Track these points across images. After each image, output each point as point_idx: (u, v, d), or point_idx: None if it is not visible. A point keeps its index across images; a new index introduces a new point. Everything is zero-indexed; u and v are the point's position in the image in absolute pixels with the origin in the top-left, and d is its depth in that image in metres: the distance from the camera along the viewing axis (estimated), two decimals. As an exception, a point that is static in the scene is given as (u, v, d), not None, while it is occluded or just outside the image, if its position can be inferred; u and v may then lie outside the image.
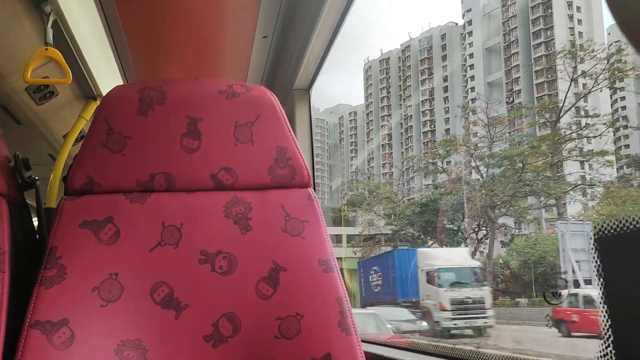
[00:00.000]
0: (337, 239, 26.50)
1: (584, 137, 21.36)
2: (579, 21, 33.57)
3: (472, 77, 39.14)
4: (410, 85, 46.87)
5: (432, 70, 45.20)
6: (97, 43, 1.54)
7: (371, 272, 18.50)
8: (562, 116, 21.98)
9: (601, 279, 0.53)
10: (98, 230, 0.78)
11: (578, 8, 34.11)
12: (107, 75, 1.66)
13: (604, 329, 0.52)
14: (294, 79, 1.70)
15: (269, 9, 1.42)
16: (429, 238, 23.22)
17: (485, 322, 13.16)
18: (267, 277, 0.79)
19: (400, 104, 47.70)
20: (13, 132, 1.60)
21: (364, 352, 0.77)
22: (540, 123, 23.82)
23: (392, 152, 45.57)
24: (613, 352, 0.51)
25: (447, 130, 38.99)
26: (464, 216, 21.84)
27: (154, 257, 0.78)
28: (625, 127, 26.09)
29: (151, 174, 0.82)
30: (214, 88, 0.86)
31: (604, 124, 21.22)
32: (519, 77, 34.49)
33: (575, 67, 22.00)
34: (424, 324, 13.03)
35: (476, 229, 21.37)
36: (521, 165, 20.46)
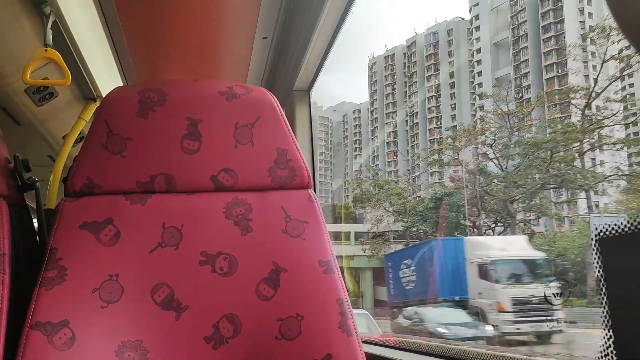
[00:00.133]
0: (345, 236, 25.96)
1: (617, 124, 19.27)
2: (590, 14, 32.52)
3: (480, 73, 38.43)
4: (415, 82, 46.26)
5: (439, 66, 44.52)
6: (97, 44, 1.54)
7: (402, 266, 15.77)
8: (591, 102, 19.83)
9: (602, 279, 0.53)
10: (98, 231, 0.78)
11: (589, 0, 32.86)
12: (106, 76, 1.66)
13: (604, 329, 0.52)
14: (294, 80, 1.70)
15: (269, 10, 1.42)
16: (442, 235, 21.80)
17: (554, 326, 10.32)
18: (268, 278, 0.79)
19: (406, 101, 47.07)
20: (13, 134, 1.60)
21: (365, 352, 0.77)
22: (565, 110, 22.35)
23: (397, 150, 45.24)
24: (614, 352, 0.51)
25: (454, 127, 38.60)
26: (479, 211, 20.34)
27: (155, 259, 0.78)
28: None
29: (151, 175, 0.82)
30: (214, 89, 0.86)
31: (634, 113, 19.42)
32: (528, 71, 33.45)
33: (607, 49, 19.50)
34: (489, 328, 10.66)
35: (493, 225, 20.04)
36: (549, 154, 18.55)
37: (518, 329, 10.39)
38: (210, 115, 0.84)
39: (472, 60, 39.99)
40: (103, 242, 0.77)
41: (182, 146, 0.83)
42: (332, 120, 59.82)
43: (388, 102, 49.01)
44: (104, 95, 0.87)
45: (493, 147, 21.23)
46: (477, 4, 39.52)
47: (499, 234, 19.41)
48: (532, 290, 10.89)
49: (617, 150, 19.25)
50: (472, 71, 39.82)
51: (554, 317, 10.37)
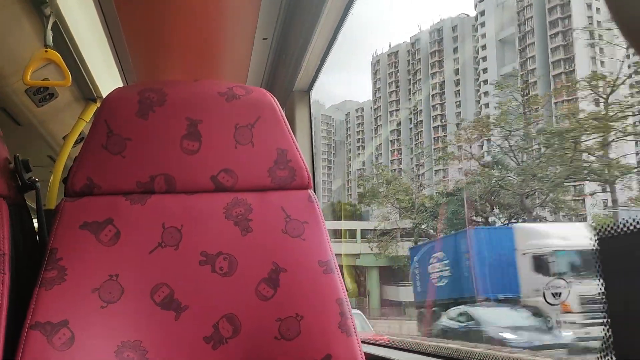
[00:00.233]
0: (351, 234, 25.40)
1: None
2: (597, 10, 31.40)
3: (485, 70, 37.56)
4: (420, 79, 45.59)
5: (443, 63, 43.81)
6: (97, 45, 1.54)
7: (432, 260, 13.47)
8: (615, 90, 18.07)
9: (601, 279, 0.53)
10: (98, 231, 0.78)
11: (597, -6, 32.18)
12: (106, 77, 1.67)
13: (604, 329, 0.52)
14: (293, 81, 1.70)
15: (268, 10, 1.42)
16: (453, 231, 20.56)
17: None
18: (267, 278, 0.79)
19: (410, 99, 46.44)
20: (13, 134, 1.60)
21: (364, 353, 0.77)
22: (587, 98, 20.06)
23: (401, 148, 44.84)
24: (613, 352, 0.51)
25: (458, 125, 38.13)
26: (492, 206, 18.68)
27: (154, 259, 0.78)
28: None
29: (151, 175, 0.82)
30: (214, 90, 0.87)
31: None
32: (535, 68, 32.24)
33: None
34: (567, 333, 8.41)
35: (506, 222, 18.59)
36: (574, 143, 16.54)
37: (587, 333, 8.12)
38: (210, 116, 0.85)
39: (477, 57, 39.36)
40: (103, 242, 0.78)
41: (182, 146, 0.83)
42: (334, 118, 59.41)
43: (392, 99, 48.32)
44: (104, 96, 0.87)
45: (508, 139, 19.51)
46: (483, 0, 38.84)
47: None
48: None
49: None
50: (477, 68, 39.13)
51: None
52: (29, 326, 0.70)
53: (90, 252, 0.77)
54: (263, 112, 0.86)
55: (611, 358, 0.51)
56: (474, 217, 18.96)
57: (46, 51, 1.21)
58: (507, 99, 22.09)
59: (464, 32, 42.55)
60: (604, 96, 17.97)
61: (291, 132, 0.88)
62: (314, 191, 0.92)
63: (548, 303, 8.53)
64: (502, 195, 18.28)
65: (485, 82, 36.33)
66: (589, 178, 16.94)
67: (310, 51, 1.49)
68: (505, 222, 17.69)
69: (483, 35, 38.63)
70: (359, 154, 52.44)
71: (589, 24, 30.08)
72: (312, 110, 1.80)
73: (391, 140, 46.26)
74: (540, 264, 9.71)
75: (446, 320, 10.82)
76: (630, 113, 16.97)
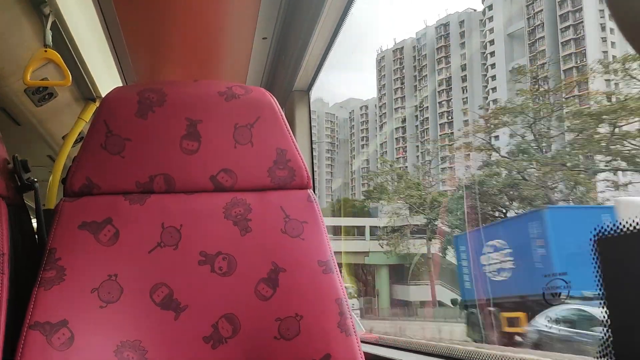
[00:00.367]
0: (359, 231, 24.67)
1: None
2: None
3: (493, 65, 36.73)
4: (426, 75, 44.84)
5: (450, 59, 43.06)
6: (97, 45, 1.54)
7: (486, 250, 11.14)
8: None
9: (601, 280, 0.53)
10: (97, 231, 0.78)
11: (609, -14, 32.11)
12: (106, 77, 1.66)
13: (603, 329, 0.52)
14: (293, 81, 1.70)
15: (268, 10, 1.42)
16: (471, 227, 18.75)
17: None
18: (267, 278, 0.79)
19: (416, 95, 45.67)
20: (12, 134, 1.60)
21: (364, 352, 0.77)
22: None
23: (406, 146, 44.27)
24: (613, 352, 0.51)
25: (466, 122, 36.92)
26: (512, 200, 17.30)
27: (154, 258, 0.78)
28: None
29: (150, 175, 0.82)
30: (213, 90, 0.87)
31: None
32: (545, 63, 30.98)
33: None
34: None
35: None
36: (612, 128, 14.79)
37: None
38: (209, 116, 0.85)
39: (484, 52, 38.63)
40: (102, 242, 0.78)
41: (182, 146, 0.83)
42: (338, 117, 58.88)
43: (397, 96, 47.62)
44: (103, 96, 0.87)
45: (532, 127, 18.03)
46: (491, -6, 38.15)
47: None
48: None
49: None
50: (485, 64, 38.32)
51: None
52: (28, 326, 0.70)
53: (89, 252, 0.77)
54: (262, 112, 0.86)
55: (611, 358, 0.51)
56: (492, 212, 17.69)
57: (45, 51, 1.21)
58: (528, 86, 20.69)
59: (471, 27, 41.77)
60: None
61: (290, 132, 0.88)
62: (314, 190, 0.92)
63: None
64: (524, 188, 16.74)
65: (494, 77, 35.61)
66: (629, 167, 14.95)
67: (310, 51, 1.49)
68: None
69: (491, 30, 37.79)
70: (364, 152, 51.91)
71: (601, 17, 29.31)
72: (315, 109, 1.80)
73: (396, 138, 45.70)
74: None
75: (543, 321, 8.18)
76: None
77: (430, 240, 21.76)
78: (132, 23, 1.45)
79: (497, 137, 20.77)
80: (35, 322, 0.70)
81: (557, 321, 7.91)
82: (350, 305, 0.79)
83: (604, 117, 15.14)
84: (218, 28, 1.52)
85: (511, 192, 17.23)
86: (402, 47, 48.92)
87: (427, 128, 42.62)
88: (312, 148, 1.79)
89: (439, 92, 43.01)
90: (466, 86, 41.16)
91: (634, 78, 16.54)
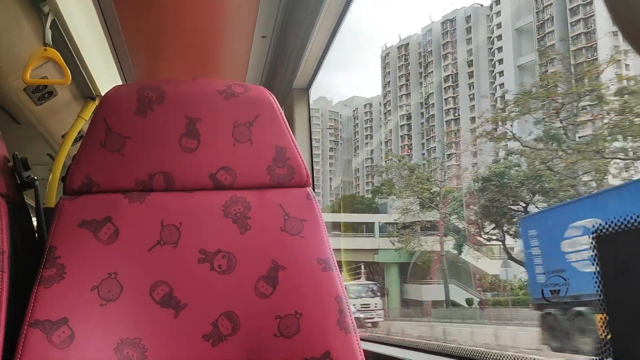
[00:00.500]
0: (368, 227, 23.94)
1: None
2: None
3: (501, 61, 36.36)
4: (431, 72, 44.36)
5: (456, 55, 42.55)
6: (96, 43, 1.54)
7: (569, 233, 8.42)
8: None
9: (600, 277, 0.53)
10: (97, 229, 0.78)
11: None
12: (105, 75, 1.66)
13: (602, 327, 0.52)
14: (292, 79, 1.70)
15: (267, 8, 1.42)
16: (489, 223, 17.78)
17: None
18: (266, 276, 0.79)
19: (421, 92, 45.16)
20: (12, 132, 1.60)
21: (363, 350, 0.77)
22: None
23: (411, 143, 43.57)
24: (612, 349, 0.51)
25: (473, 119, 36.18)
26: (534, 193, 16.24)
27: (153, 256, 0.78)
28: None
29: (150, 173, 0.82)
30: (212, 88, 0.87)
31: None
32: (554, 58, 29.66)
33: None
34: None
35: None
36: None
37: None
38: (209, 114, 0.85)
39: (492, 47, 38.21)
40: (102, 240, 0.78)
41: (181, 145, 0.83)
42: (342, 115, 58.25)
43: (402, 93, 47.15)
44: (103, 94, 0.87)
45: (559, 113, 16.70)
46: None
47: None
48: None
49: None
50: (492, 59, 37.96)
51: None
52: (29, 324, 0.70)
53: (89, 250, 0.77)
54: (262, 110, 0.86)
55: (609, 355, 0.52)
56: (510, 206, 16.75)
57: (45, 49, 1.20)
58: (555, 68, 19.31)
59: (477, 23, 41.06)
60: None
61: (290, 130, 0.88)
62: (314, 188, 0.92)
63: None
64: (547, 180, 15.63)
65: (501, 73, 34.92)
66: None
67: (309, 49, 1.49)
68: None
69: (498, 25, 37.16)
70: (367, 150, 51.41)
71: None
72: (318, 107, 1.80)
73: (401, 136, 45.22)
74: None
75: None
76: None
77: (446, 237, 20.82)
78: (131, 22, 1.45)
79: (511, 127, 19.61)
80: (36, 320, 0.71)
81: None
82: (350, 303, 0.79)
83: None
84: (217, 26, 1.53)
85: (534, 185, 16.06)
86: (408, 44, 48.40)
87: (433, 125, 42.03)
88: (311, 146, 1.79)
89: (445, 88, 42.34)
90: (473, 82, 40.58)
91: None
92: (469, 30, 42.40)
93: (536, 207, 15.69)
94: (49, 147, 1.80)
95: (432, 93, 43.22)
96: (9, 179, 0.83)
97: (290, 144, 0.87)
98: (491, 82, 37.38)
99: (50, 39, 1.22)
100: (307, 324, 0.76)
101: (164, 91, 0.85)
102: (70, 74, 1.25)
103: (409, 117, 45.66)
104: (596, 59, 25.66)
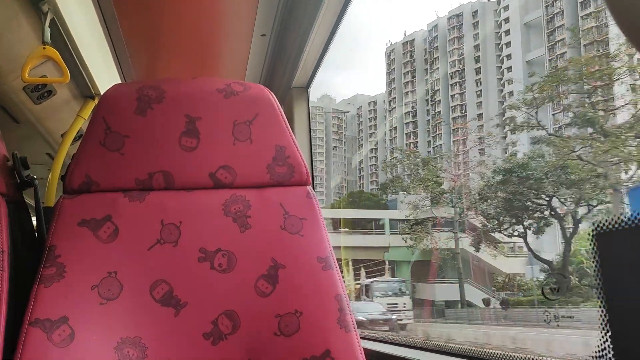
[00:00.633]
0: (377, 224, 22.79)
1: None
2: None
3: (509, 56, 35.12)
4: (437, 68, 43.37)
5: (462, 51, 41.39)
6: (95, 42, 1.54)
7: None
8: None
9: (599, 275, 0.53)
10: (97, 228, 0.78)
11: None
12: (105, 74, 1.66)
13: (601, 326, 0.52)
14: (292, 77, 1.70)
15: (267, 7, 1.42)
16: (509, 218, 16.57)
17: None
18: (266, 274, 0.79)
19: (427, 89, 44.16)
20: (11, 131, 1.60)
21: (363, 348, 0.77)
22: None
23: (417, 141, 42.55)
24: (611, 347, 0.51)
25: (480, 115, 35.31)
26: (558, 186, 15.26)
27: (153, 255, 0.78)
28: None
29: (150, 172, 0.82)
30: (212, 87, 0.87)
31: None
32: (565, 52, 28.63)
33: None
34: None
35: (574, 208, 14.74)
36: None
37: None
38: (208, 113, 0.85)
39: (499, 43, 37.06)
40: (102, 239, 0.78)
41: (181, 143, 0.83)
42: (345, 113, 57.73)
43: (407, 90, 46.22)
44: (102, 93, 0.87)
45: (590, 97, 15.38)
46: (505, -17, 36.23)
47: (581, 217, 13.52)
48: None
49: None
50: (500, 55, 36.76)
51: None
52: (29, 323, 0.70)
53: (89, 249, 0.77)
54: (261, 109, 0.86)
55: (608, 354, 0.52)
56: (535, 200, 15.81)
57: (44, 48, 1.20)
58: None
59: (484, 17, 39.97)
60: None
61: (289, 129, 0.88)
62: (314, 187, 0.92)
63: None
64: (573, 171, 14.58)
65: (509, 69, 33.88)
66: None
67: (308, 48, 1.49)
68: (574, 208, 14.08)
69: (506, 20, 36.21)
70: (371, 148, 51.04)
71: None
72: (322, 105, 1.80)
73: (406, 133, 44.71)
74: None
75: None
76: None
77: (464, 232, 19.63)
78: (130, 20, 1.45)
79: (536, 114, 18.06)
80: (36, 319, 0.71)
81: None
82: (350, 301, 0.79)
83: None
84: (217, 25, 1.52)
85: (560, 176, 15.05)
86: (413, 40, 47.51)
87: (439, 123, 41.29)
88: (311, 145, 1.79)
89: (451, 85, 41.48)
90: (480, 79, 39.72)
91: None
92: (475, 25, 41.35)
93: (560, 200, 15.04)
94: (49, 146, 1.80)
95: (438, 90, 42.55)
96: (9, 178, 0.83)
97: (290, 142, 0.87)
98: (499, 78, 36.86)
99: (49, 38, 1.21)
100: (307, 323, 0.76)
101: (164, 90, 0.85)
102: (69, 72, 1.24)
103: (414, 114, 44.80)
104: (607, 53, 25.14)
